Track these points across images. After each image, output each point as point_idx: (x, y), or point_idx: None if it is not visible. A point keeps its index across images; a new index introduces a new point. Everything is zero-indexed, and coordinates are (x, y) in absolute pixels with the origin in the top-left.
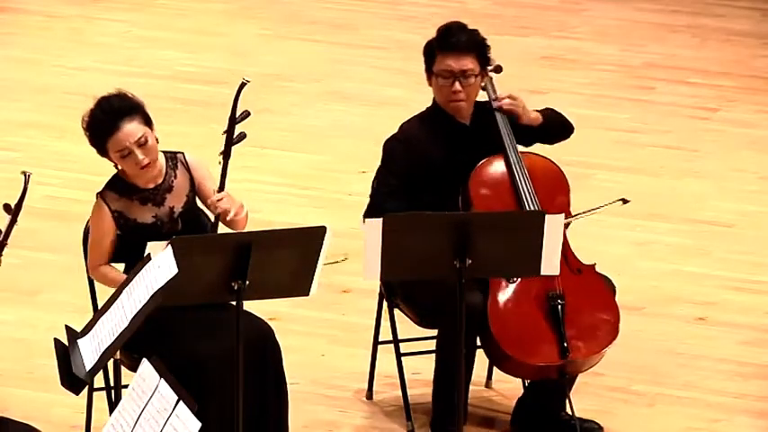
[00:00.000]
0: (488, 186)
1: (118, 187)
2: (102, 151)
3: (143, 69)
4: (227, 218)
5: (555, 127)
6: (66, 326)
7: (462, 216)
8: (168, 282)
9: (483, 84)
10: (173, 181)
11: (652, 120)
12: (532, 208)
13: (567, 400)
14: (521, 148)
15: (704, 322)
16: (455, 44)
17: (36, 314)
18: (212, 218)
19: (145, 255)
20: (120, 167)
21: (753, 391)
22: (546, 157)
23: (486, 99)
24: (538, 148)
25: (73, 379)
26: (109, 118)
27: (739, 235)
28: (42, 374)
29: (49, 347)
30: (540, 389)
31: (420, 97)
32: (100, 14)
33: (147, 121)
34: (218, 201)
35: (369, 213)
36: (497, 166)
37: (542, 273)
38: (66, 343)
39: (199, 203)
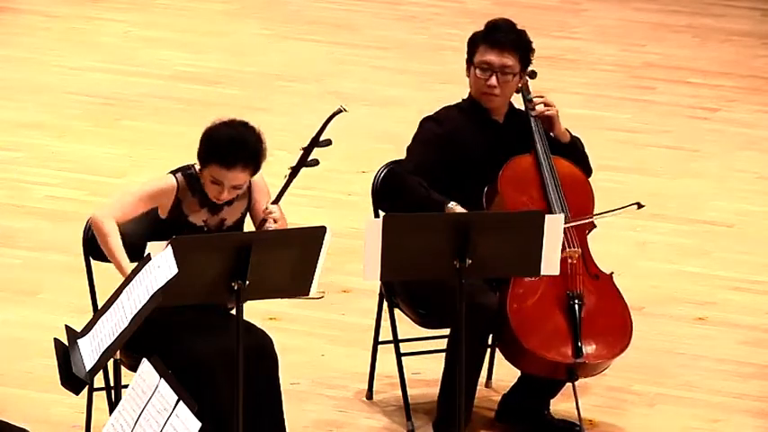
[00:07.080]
0: (518, 184)
1: (189, 179)
2: (202, 161)
3: (143, 69)
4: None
5: (577, 154)
6: (66, 326)
7: (462, 216)
8: (168, 282)
9: (519, 86)
10: (235, 198)
11: (652, 120)
12: (561, 211)
13: (575, 404)
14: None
15: (704, 322)
16: (500, 40)
17: (36, 314)
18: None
19: (145, 255)
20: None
21: (753, 391)
22: (573, 164)
23: (522, 106)
24: None
25: (73, 379)
26: (231, 153)
27: (739, 235)
28: (42, 374)
29: (49, 347)
30: (528, 387)
31: (420, 97)
32: (100, 14)
33: (256, 170)
34: (270, 213)
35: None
36: (528, 165)
37: (542, 273)
38: (67, 343)
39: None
